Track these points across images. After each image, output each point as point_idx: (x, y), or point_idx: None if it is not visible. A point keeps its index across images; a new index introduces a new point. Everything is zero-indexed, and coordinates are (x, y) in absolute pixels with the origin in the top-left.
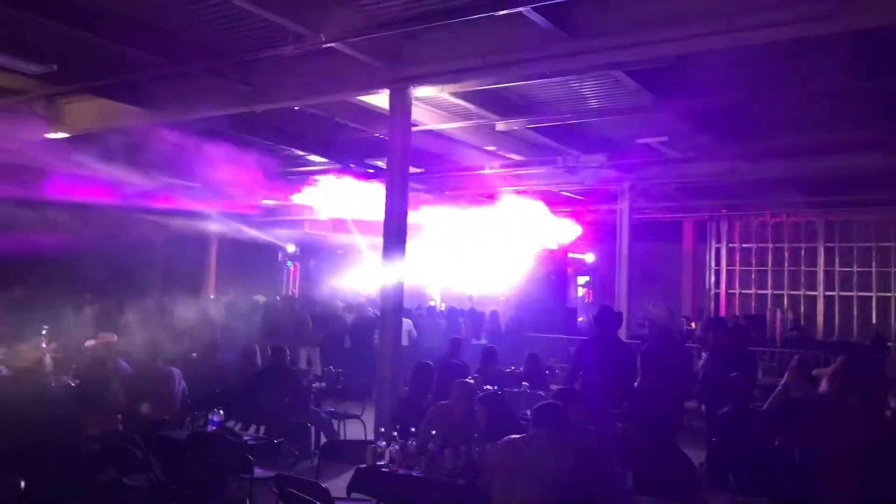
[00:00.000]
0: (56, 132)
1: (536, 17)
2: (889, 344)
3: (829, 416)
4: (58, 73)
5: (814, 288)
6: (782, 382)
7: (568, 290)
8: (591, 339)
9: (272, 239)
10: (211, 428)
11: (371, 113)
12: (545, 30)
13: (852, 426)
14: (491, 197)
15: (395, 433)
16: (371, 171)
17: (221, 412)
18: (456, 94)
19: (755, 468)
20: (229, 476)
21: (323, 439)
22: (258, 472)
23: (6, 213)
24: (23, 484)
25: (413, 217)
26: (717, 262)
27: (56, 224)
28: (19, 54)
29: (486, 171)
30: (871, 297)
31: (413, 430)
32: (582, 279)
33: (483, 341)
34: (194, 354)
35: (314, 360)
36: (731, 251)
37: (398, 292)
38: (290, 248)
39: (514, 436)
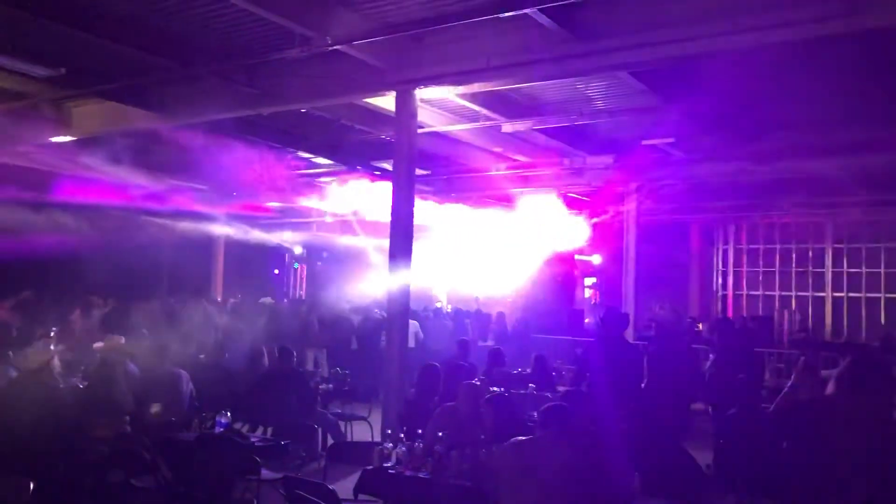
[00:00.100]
0: (64, 135)
1: (542, 19)
2: None
3: (837, 419)
4: (66, 77)
5: (822, 289)
6: (789, 384)
7: (575, 292)
8: (598, 341)
9: (279, 241)
10: (218, 430)
11: (377, 115)
12: (551, 31)
13: (860, 429)
14: (497, 198)
15: (402, 435)
16: (378, 173)
17: (229, 414)
18: (462, 96)
19: (762, 470)
20: (237, 477)
21: (330, 441)
22: (265, 473)
23: (15, 215)
24: (32, 485)
25: (419, 218)
26: (725, 264)
27: (64, 227)
28: (27, 58)
29: (493, 173)
30: (879, 297)
31: (420, 431)
32: (589, 280)
33: (489, 343)
34: (202, 356)
35: (321, 362)
36: (738, 252)
37: (405, 294)
38: (298, 250)
39: (520, 437)
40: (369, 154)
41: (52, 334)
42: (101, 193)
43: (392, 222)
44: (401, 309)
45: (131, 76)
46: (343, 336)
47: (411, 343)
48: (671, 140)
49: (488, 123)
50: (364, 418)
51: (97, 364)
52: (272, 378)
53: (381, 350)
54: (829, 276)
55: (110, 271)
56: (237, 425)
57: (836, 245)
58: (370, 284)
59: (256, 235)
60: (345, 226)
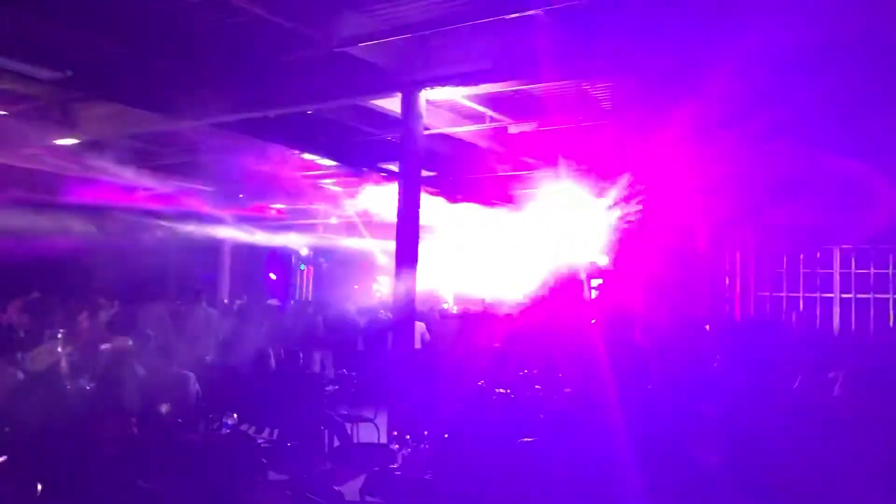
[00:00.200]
0: (70, 137)
1: (547, 20)
2: None
3: (843, 420)
4: (72, 79)
5: (830, 290)
6: (796, 386)
7: (581, 293)
8: (604, 343)
9: (286, 243)
10: (225, 431)
11: (383, 116)
12: (556, 32)
13: (865, 430)
14: (504, 199)
15: (408, 436)
16: (384, 174)
17: (235, 415)
18: (468, 97)
19: (770, 472)
20: (243, 479)
21: (336, 442)
22: (272, 475)
23: (23, 217)
24: (39, 486)
25: (427, 217)
26: (732, 265)
27: (72, 229)
28: (34, 60)
29: (499, 174)
30: (888, 298)
31: (426, 433)
32: (595, 282)
33: (496, 344)
34: (208, 358)
35: (327, 364)
36: (745, 253)
37: (411, 295)
38: (304, 252)
39: (526, 439)
40: (375, 155)
41: (59, 336)
42: (108, 195)
43: (398, 224)
44: (407, 310)
45: (137, 78)
46: (349, 337)
47: (417, 344)
48: (677, 140)
49: (494, 125)
50: (371, 420)
51: (104, 365)
52: (279, 379)
53: (387, 351)
54: (836, 277)
55: (117, 273)
56: (244, 427)
57: (844, 245)
58: (376, 286)
59: (262, 238)
60: (351, 227)
